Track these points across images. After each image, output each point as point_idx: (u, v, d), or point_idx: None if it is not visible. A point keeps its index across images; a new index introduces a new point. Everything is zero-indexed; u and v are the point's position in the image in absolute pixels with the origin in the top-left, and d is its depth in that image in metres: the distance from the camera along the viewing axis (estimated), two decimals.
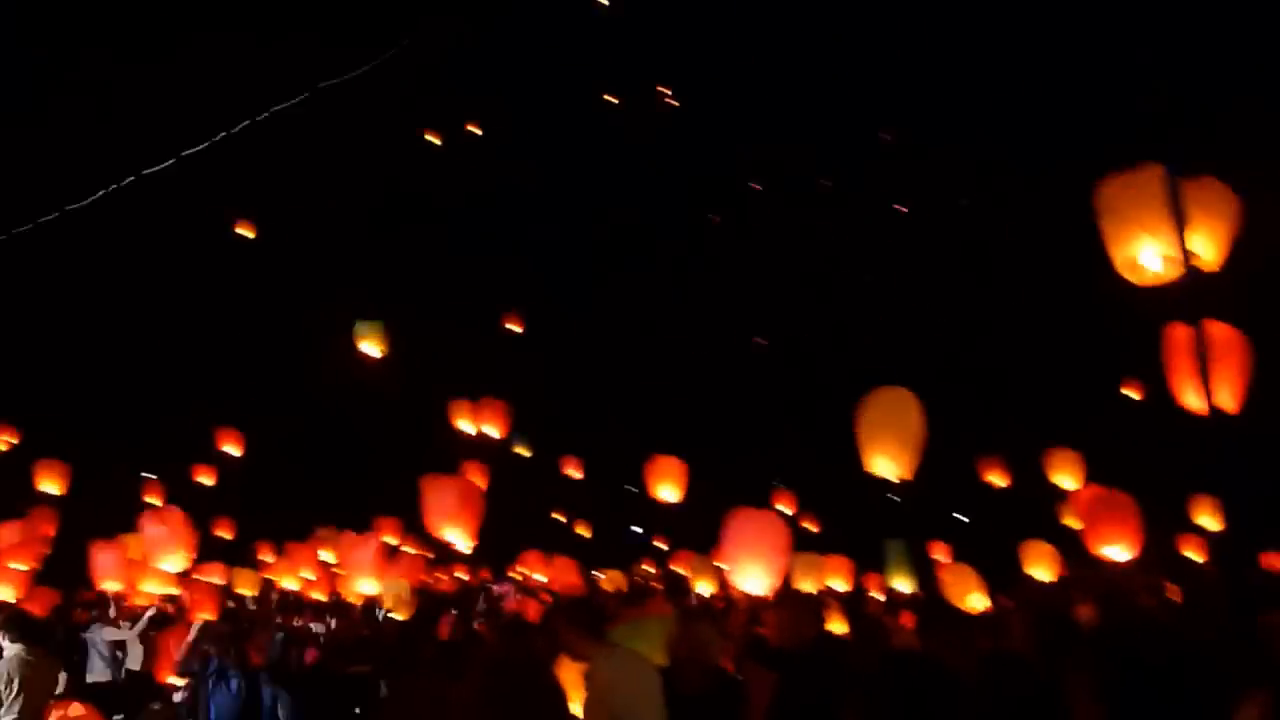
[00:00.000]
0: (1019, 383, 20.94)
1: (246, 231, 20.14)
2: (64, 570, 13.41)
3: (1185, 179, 5.42)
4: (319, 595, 15.63)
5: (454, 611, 10.24)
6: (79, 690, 6.69)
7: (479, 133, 24.59)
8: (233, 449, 18.62)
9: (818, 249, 24.22)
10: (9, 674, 6.17)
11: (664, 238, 26.11)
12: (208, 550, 17.92)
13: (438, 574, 18.43)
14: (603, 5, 22.43)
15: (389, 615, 10.53)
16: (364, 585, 13.02)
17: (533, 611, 10.42)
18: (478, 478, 15.52)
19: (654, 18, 22.52)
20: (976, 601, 11.01)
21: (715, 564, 12.09)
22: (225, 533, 18.98)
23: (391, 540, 16.49)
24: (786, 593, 10.05)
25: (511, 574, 19.05)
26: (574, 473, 22.06)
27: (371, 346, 15.53)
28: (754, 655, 5.99)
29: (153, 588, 12.43)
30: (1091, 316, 17.63)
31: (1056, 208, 14.85)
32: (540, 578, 16.83)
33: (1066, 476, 14.62)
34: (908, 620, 9.85)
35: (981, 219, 20.94)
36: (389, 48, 21.03)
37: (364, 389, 18.55)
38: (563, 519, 24.49)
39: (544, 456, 22.46)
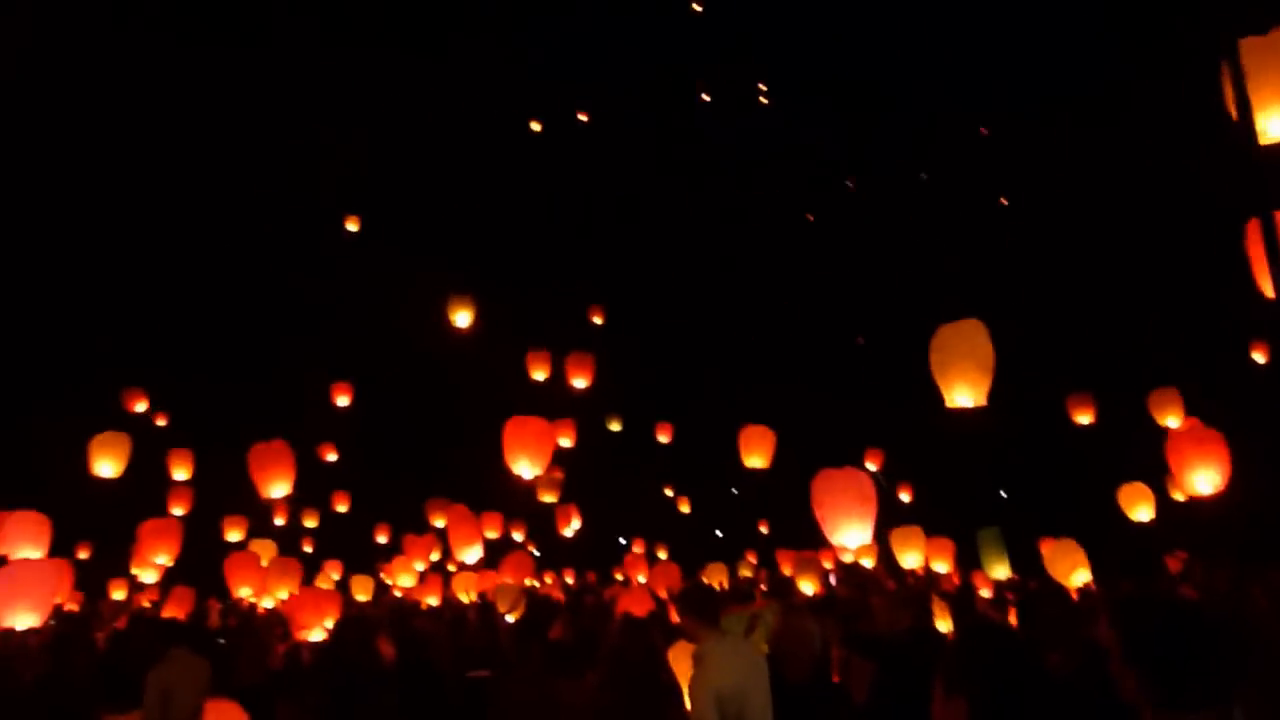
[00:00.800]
0: (1113, 325, 20.41)
1: (352, 225, 21.08)
2: (197, 564, 14.36)
3: None
4: (432, 598, 16.20)
5: (566, 613, 10.53)
6: (225, 690, 7.19)
7: (584, 119, 24.99)
8: (343, 399, 19.62)
9: (913, 241, 23.97)
10: (165, 677, 6.65)
11: (757, 234, 26.21)
12: (329, 540, 19.05)
13: (545, 576, 18.92)
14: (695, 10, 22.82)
15: (503, 617, 10.89)
16: (469, 555, 14.06)
17: (640, 608, 10.64)
18: (566, 433, 16.42)
19: (745, 16, 22.75)
20: (1080, 578, 10.85)
21: (821, 563, 12.22)
22: (343, 505, 20.19)
23: (493, 534, 17.14)
24: (888, 589, 10.13)
25: (616, 575, 19.42)
26: (663, 438, 22.46)
27: (463, 316, 15.99)
28: (854, 647, 6.17)
29: (281, 593, 13.20)
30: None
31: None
32: (642, 579, 17.13)
33: (1169, 415, 14.22)
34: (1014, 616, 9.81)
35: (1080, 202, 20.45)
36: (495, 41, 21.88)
37: (458, 369, 19.24)
38: (669, 493, 25.09)
39: (637, 430, 22.75)
